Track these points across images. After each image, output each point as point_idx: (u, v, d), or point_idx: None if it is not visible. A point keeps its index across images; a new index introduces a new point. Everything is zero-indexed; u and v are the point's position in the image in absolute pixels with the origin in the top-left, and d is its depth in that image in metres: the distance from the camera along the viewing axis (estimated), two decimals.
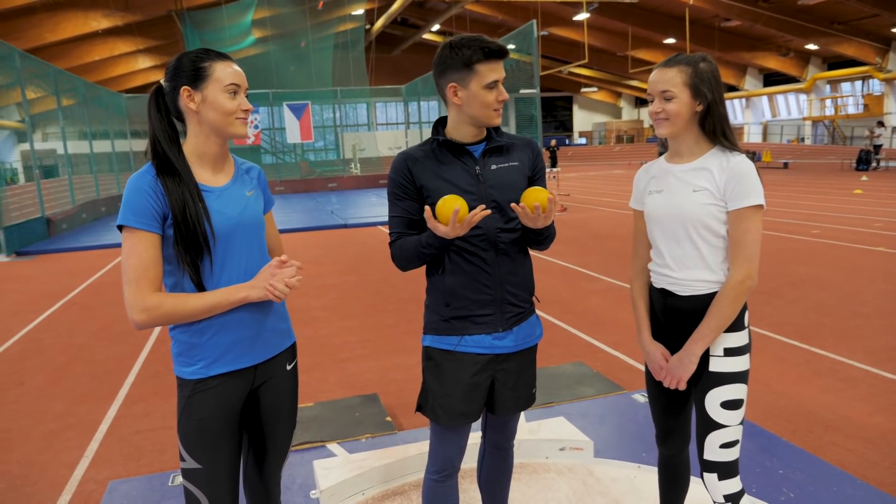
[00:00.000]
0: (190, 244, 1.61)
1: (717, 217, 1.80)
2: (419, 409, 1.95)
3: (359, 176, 25.16)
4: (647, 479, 2.78)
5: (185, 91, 1.64)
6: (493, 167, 1.87)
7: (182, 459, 1.71)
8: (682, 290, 1.87)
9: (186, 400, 1.69)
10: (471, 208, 1.74)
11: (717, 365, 1.82)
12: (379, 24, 31.35)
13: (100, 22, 21.39)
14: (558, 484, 2.80)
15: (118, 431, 3.71)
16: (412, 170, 1.84)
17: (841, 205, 12.93)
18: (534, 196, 1.77)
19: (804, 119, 34.33)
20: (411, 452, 2.93)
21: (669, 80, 1.80)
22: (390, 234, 1.89)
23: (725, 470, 1.84)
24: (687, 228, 1.83)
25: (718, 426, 1.82)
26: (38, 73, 14.65)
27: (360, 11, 27.14)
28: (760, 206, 1.77)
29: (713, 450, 1.84)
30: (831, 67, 31.92)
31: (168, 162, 1.64)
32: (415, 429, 3.45)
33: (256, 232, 1.76)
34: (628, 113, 48.23)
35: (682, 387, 1.88)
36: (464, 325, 1.87)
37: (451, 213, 1.65)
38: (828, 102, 32.76)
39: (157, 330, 5.83)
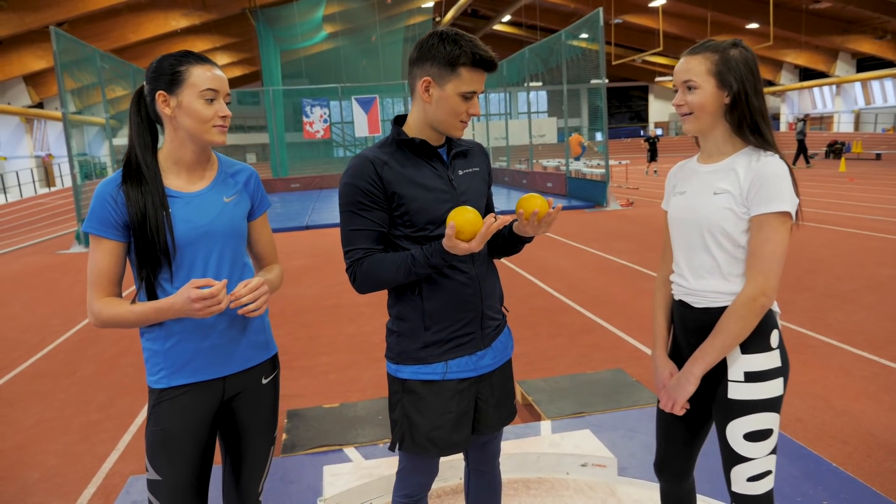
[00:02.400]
0: (146, 257, 1.59)
1: (738, 223, 1.60)
2: (399, 446, 1.77)
3: None
4: None
5: (160, 96, 1.59)
6: (461, 172, 1.74)
7: (146, 469, 1.68)
8: (697, 302, 1.68)
9: (151, 409, 1.67)
10: (446, 218, 1.60)
11: (737, 392, 1.61)
12: (449, 16, 31.25)
13: (178, 21, 22.33)
14: (576, 503, 2.64)
15: None
16: (382, 175, 1.63)
17: None
18: (532, 203, 1.63)
19: None
20: None
21: (692, 69, 1.61)
22: (353, 251, 1.65)
23: (757, 503, 1.65)
24: (703, 234, 1.64)
25: (743, 459, 1.63)
26: (119, 73, 15.43)
27: (429, 4, 27.19)
28: (787, 214, 1.55)
29: (740, 483, 1.65)
30: None
31: (137, 169, 1.61)
32: None
33: (230, 240, 1.70)
34: None
35: (678, 411, 1.69)
36: (447, 348, 1.72)
37: (478, 228, 1.50)
38: None
39: None
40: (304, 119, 22.77)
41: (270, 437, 1.84)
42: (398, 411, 1.77)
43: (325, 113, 23.55)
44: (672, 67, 42.79)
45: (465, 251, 1.51)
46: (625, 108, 47.34)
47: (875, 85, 33.79)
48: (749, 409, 1.61)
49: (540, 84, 19.43)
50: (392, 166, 1.66)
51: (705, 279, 1.66)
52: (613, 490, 2.71)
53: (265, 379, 1.80)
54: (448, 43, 1.58)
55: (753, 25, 29.77)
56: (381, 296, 6.79)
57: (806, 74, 36.82)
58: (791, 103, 38.66)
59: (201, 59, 1.61)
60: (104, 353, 5.27)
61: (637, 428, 3.24)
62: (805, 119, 22.27)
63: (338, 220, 1.71)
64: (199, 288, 1.49)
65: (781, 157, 1.59)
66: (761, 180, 1.55)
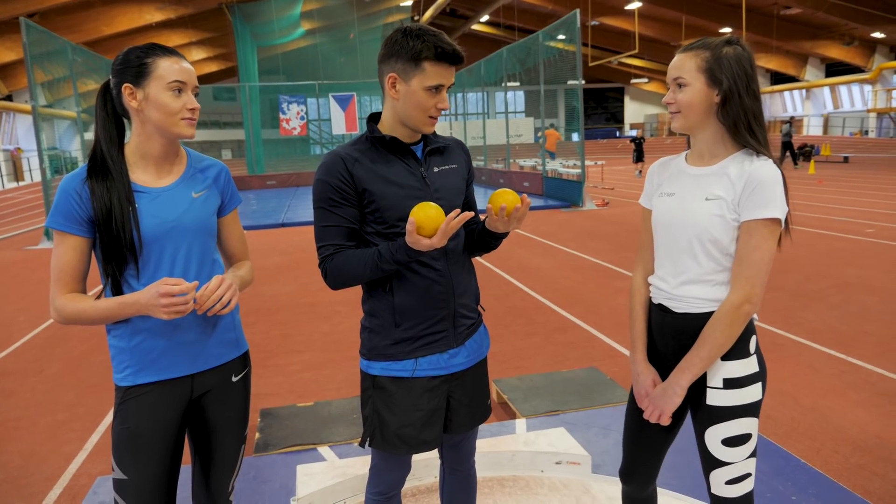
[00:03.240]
0: (112, 253, 1.56)
1: (729, 231, 1.55)
2: (370, 443, 1.76)
3: None
4: None
5: (126, 88, 1.56)
6: (436, 169, 1.73)
7: (112, 469, 1.64)
8: (679, 307, 1.64)
9: (117, 407, 1.64)
10: None
11: (716, 398, 1.59)
12: (427, 15, 31.23)
13: (153, 15, 21.99)
14: (551, 501, 2.65)
15: None
16: (353, 172, 1.63)
17: None
18: (501, 198, 1.62)
19: (868, 111, 32.62)
20: None
21: (683, 66, 1.57)
22: (324, 246, 1.66)
23: None
24: (692, 240, 1.59)
25: (721, 463, 1.62)
26: (91, 66, 15.12)
27: (407, 3, 27.11)
28: (777, 221, 1.51)
29: (719, 486, 1.64)
30: None
31: (103, 163, 1.58)
32: None
33: (198, 236, 1.66)
34: None
35: (665, 421, 1.65)
36: (417, 346, 1.71)
37: (439, 223, 1.48)
38: (894, 94, 31.02)
39: None
40: (281, 116, 22.57)
41: (241, 436, 1.81)
42: (369, 407, 1.76)
43: (302, 110, 23.37)
44: (648, 69, 43.35)
45: (428, 247, 1.50)
46: (601, 109, 47.78)
47: (843, 90, 34.57)
48: (728, 415, 1.59)
49: (517, 84, 19.50)
50: (363, 163, 1.65)
51: (689, 285, 1.62)
52: (587, 487, 2.73)
53: (235, 376, 1.77)
54: (411, 38, 1.57)
55: (727, 29, 30.23)
56: (357, 293, 6.72)
57: (777, 78, 37.52)
58: (763, 106, 39.30)
59: (168, 50, 1.58)
60: (72, 351, 5.16)
61: (611, 426, 3.26)
62: (790, 121, 22.68)
63: (313, 218, 1.70)
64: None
65: (775, 162, 1.55)
66: (754, 185, 1.51)
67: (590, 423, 3.29)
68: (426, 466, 2.81)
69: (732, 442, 1.60)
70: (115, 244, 1.54)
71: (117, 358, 1.63)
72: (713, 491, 1.66)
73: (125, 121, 1.64)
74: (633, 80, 43.21)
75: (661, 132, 45.11)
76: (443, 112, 1.65)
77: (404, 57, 1.58)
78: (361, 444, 1.79)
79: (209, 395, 1.72)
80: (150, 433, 1.61)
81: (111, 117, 1.61)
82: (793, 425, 3.37)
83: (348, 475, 2.71)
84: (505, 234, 1.73)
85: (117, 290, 1.58)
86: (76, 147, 32.33)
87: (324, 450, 3.12)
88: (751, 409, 1.59)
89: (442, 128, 28.61)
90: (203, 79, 30.83)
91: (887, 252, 7.63)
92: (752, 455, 1.62)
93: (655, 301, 1.71)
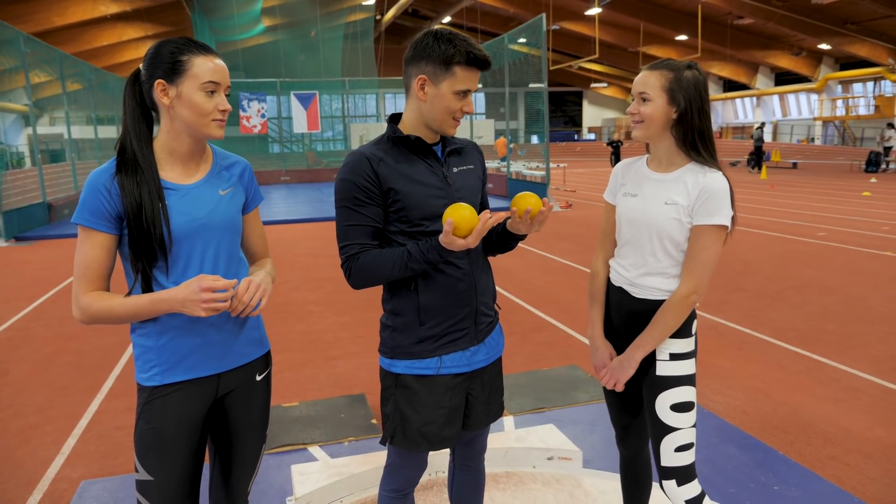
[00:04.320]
0: (143, 249, 1.52)
1: (683, 231, 1.80)
2: (391, 441, 1.78)
3: None
4: None
5: (159, 84, 1.53)
6: (455, 170, 1.77)
7: (136, 470, 1.62)
8: (637, 293, 1.89)
9: (142, 407, 1.60)
10: (441, 214, 1.64)
11: (664, 369, 1.85)
12: (390, 14, 31.16)
13: (108, 6, 21.34)
14: (545, 496, 2.70)
15: (98, 427, 3.63)
16: (378, 171, 1.65)
17: (849, 207, 12.73)
18: (525, 201, 1.67)
19: (815, 119, 33.95)
20: None
21: (649, 83, 1.79)
22: (348, 245, 1.68)
23: (683, 475, 1.84)
24: (652, 237, 1.83)
25: (671, 429, 1.84)
26: (43, 58, 14.59)
27: (370, 1, 26.97)
28: (724, 227, 1.77)
29: (669, 455, 1.84)
30: (843, 68, 31.53)
31: (132, 158, 1.54)
32: None
33: (226, 234, 1.65)
34: None
35: (620, 388, 1.92)
36: (441, 343, 1.74)
37: (474, 224, 1.51)
38: (839, 103, 32.38)
39: None
40: (241, 113, 22.17)
41: (263, 435, 1.80)
42: (390, 406, 1.77)
43: (263, 108, 23.01)
44: (607, 74, 44.08)
45: (462, 247, 1.53)
46: (560, 112, 48.40)
47: (791, 98, 35.89)
48: (673, 383, 1.84)
49: (481, 86, 19.61)
50: (388, 162, 1.67)
51: (648, 276, 1.86)
52: (580, 482, 2.79)
53: (259, 375, 1.76)
54: (443, 42, 1.61)
55: (683, 37, 31.07)
56: (331, 294, 6.67)
57: (729, 86, 38.71)
58: (715, 113, 40.51)
59: (203, 48, 1.55)
60: (38, 352, 4.99)
61: (597, 422, 3.34)
62: (762, 126, 23.41)
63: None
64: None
65: (724, 174, 1.78)
66: (707, 195, 1.75)
67: (576, 420, 3.37)
68: (432, 462, 2.83)
69: (680, 408, 1.84)
70: (146, 241, 1.51)
71: (143, 357, 1.59)
72: (663, 463, 1.85)
73: (153, 114, 1.61)
74: (593, 85, 43.95)
75: (617, 136, 45.96)
76: (422, 105, 1.69)
77: (435, 60, 1.61)
78: (382, 442, 1.80)
79: (232, 394, 1.71)
80: (177, 434, 1.59)
81: (140, 109, 1.58)
82: (767, 420, 3.51)
83: (344, 474, 2.71)
84: (524, 236, 1.77)
85: (147, 288, 1.55)
86: (23, 142, 31.12)
87: (314, 450, 3.11)
88: (690, 380, 1.86)
89: None
90: None
91: (839, 254, 7.98)
92: (694, 426, 1.86)
93: (616, 283, 1.95)
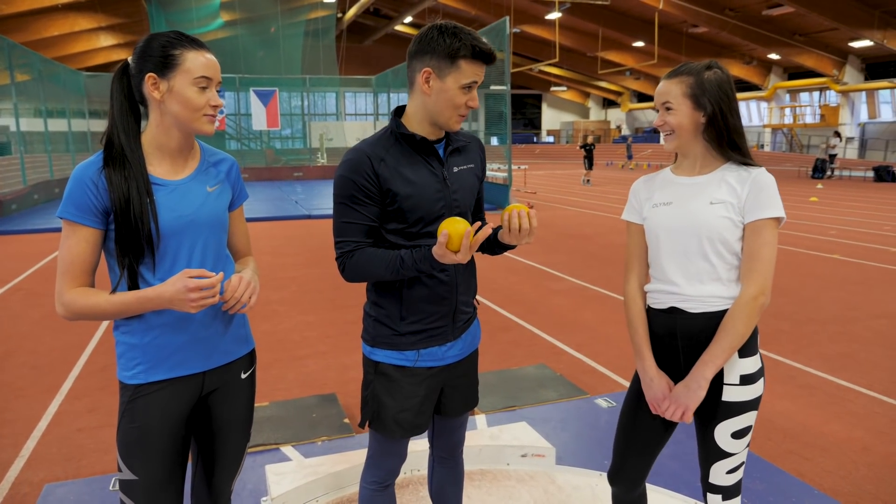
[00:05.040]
0: (129, 245, 1.50)
1: (735, 231, 1.67)
2: (370, 424, 1.83)
3: (325, 166, 24.80)
4: (608, 489, 2.73)
5: (150, 78, 1.50)
6: (455, 169, 1.77)
7: (119, 470, 1.59)
8: (694, 307, 1.70)
9: (126, 406, 1.57)
10: (438, 216, 1.68)
11: (732, 394, 1.68)
12: (351, 12, 30.93)
13: None
14: (519, 492, 2.74)
15: (58, 429, 3.52)
16: (378, 171, 1.65)
17: (798, 211, 13.22)
18: (517, 217, 1.64)
19: (764, 126, 35.12)
20: None
21: (670, 92, 1.71)
22: (342, 242, 1.69)
23: (730, 492, 1.76)
24: (702, 241, 1.69)
25: (726, 455, 1.72)
26: None
27: None
28: (779, 220, 1.67)
29: (719, 476, 1.74)
30: (791, 77, 32.69)
31: (120, 152, 1.51)
32: None
33: (213, 231, 1.63)
34: (596, 113, 48.68)
35: (689, 419, 1.71)
36: (419, 338, 1.77)
37: (463, 240, 1.51)
38: (787, 111, 33.57)
39: (106, 322, 5.59)
40: None
41: (247, 433, 1.79)
42: (370, 391, 1.82)
43: (221, 104, 22.51)
44: (566, 78, 44.57)
45: (453, 262, 1.54)
46: (519, 114, 48.80)
47: (742, 105, 37.03)
48: (740, 409, 1.68)
49: None
50: (388, 163, 1.67)
51: (704, 285, 1.69)
52: (553, 478, 2.84)
53: (244, 373, 1.75)
54: (448, 36, 1.60)
55: (640, 43, 31.73)
56: (296, 294, 6.63)
57: None
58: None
59: (195, 42, 1.53)
60: None
61: (567, 419, 3.40)
62: (838, 134, 24.22)
63: (333, 212, 1.72)
64: (194, 278, 1.43)
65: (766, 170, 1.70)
66: (758, 188, 1.65)
67: (547, 418, 3.42)
68: (415, 458, 2.84)
69: (739, 434, 1.70)
70: (133, 236, 1.49)
71: (127, 355, 1.57)
72: (712, 480, 1.75)
73: (141, 108, 1.58)
74: (553, 88, 44.48)
75: (576, 139, 46.65)
76: (427, 99, 1.66)
77: (440, 54, 1.60)
78: (361, 425, 1.85)
79: (217, 392, 1.69)
80: (161, 432, 1.57)
81: (128, 103, 1.54)
82: None
83: (320, 473, 2.69)
84: (513, 246, 1.77)
85: (133, 284, 1.52)
86: None
87: (287, 449, 3.08)
88: (757, 403, 1.71)
89: (364, 128, 28.43)
90: (111, 67, 29.13)
91: (790, 257, 8.29)
92: (748, 446, 1.75)
93: (663, 306, 1.76)
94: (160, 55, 1.50)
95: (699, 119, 1.70)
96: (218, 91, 1.58)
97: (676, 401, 1.70)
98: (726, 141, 1.70)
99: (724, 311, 1.69)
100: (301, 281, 7.13)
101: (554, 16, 27.39)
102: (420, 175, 1.70)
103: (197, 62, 1.51)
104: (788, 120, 33.68)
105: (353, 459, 2.81)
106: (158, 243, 1.53)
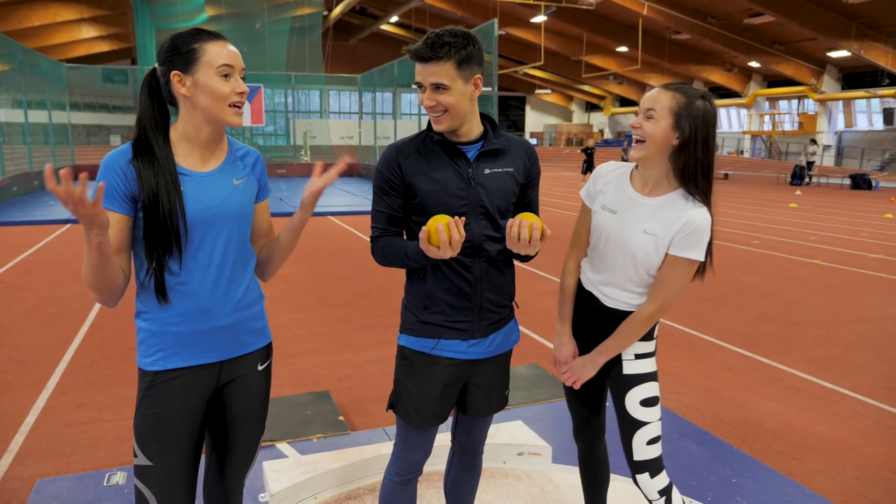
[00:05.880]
0: (158, 240, 1.52)
1: (657, 260, 1.83)
2: (391, 407, 1.90)
3: (309, 163, 24.67)
4: None
5: (175, 76, 1.54)
6: (486, 171, 1.79)
7: (135, 455, 1.60)
8: (608, 302, 1.94)
9: (144, 392, 1.59)
10: (460, 214, 1.70)
11: (630, 367, 1.94)
12: (337, 11, 30.82)
13: None
14: (516, 490, 2.76)
15: (47, 424, 3.47)
16: (402, 166, 1.76)
17: (778, 217, 13.45)
18: (523, 228, 1.65)
19: (744, 133, 35.67)
20: (366, 455, 2.83)
21: (658, 101, 1.76)
22: (372, 227, 1.84)
23: (655, 466, 1.91)
24: (627, 259, 1.86)
25: (641, 424, 1.91)
26: None
27: None
28: (696, 262, 1.80)
29: (641, 448, 1.90)
30: (771, 85, 33.24)
31: (148, 146, 1.54)
32: (368, 429, 3.35)
33: (238, 223, 1.65)
34: (579, 116, 49.07)
35: (577, 387, 2.00)
36: (440, 329, 1.82)
37: (441, 239, 1.58)
38: (766, 118, 34.12)
39: (93, 315, 5.52)
40: None
41: (261, 426, 1.79)
42: (396, 374, 1.91)
43: None
44: (550, 81, 44.81)
45: (436, 256, 1.62)
46: (503, 116, 48.95)
47: (723, 112, 37.53)
48: (640, 380, 1.93)
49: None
50: (413, 158, 1.77)
51: (617, 290, 1.91)
52: (550, 476, 2.86)
53: (260, 366, 1.76)
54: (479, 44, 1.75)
55: (623, 48, 32.04)
56: (285, 291, 6.64)
57: None
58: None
59: (214, 34, 1.57)
60: None
61: (562, 419, 3.43)
62: (814, 141, 24.65)
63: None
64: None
65: (709, 210, 1.78)
66: (689, 228, 1.76)
67: (542, 417, 3.44)
68: (434, 454, 2.83)
69: (648, 402, 1.92)
70: (162, 232, 1.52)
71: (147, 342, 1.58)
72: (636, 457, 1.91)
73: (170, 108, 1.61)
74: (537, 91, 44.72)
75: (558, 142, 46.94)
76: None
77: (481, 60, 1.74)
78: (388, 409, 1.91)
79: (233, 384, 1.70)
80: (178, 419, 1.58)
81: (156, 106, 1.58)
82: (719, 417, 3.69)
83: (318, 470, 2.69)
84: (531, 257, 1.77)
85: (160, 275, 1.53)
86: None
87: (283, 446, 3.07)
88: (654, 376, 1.96)
89: (349, 126, 28.35)
90: (93, 59, 28.65)
91: (772, 261, 8.43)
92: (660, 419, 1.94)
93: (586, 287, 1.99)
94: (181, 52, 1.53)
95: (672, 139, 1.75)
96: (243, 78, 1.59)
97: (573, 369, 1.98)
98: (690, 172, 1.77)
99: (628, 312, 1.91)
100: (289, 278, 7.09)
101: (539, 19, 27.55)
102: (443, 173, 1.76)
103: (217, 52, 1.54)
104: (768, 127, 34.23)
105: (351, 457, 2.81)
106: (187, 236, 1.55)
